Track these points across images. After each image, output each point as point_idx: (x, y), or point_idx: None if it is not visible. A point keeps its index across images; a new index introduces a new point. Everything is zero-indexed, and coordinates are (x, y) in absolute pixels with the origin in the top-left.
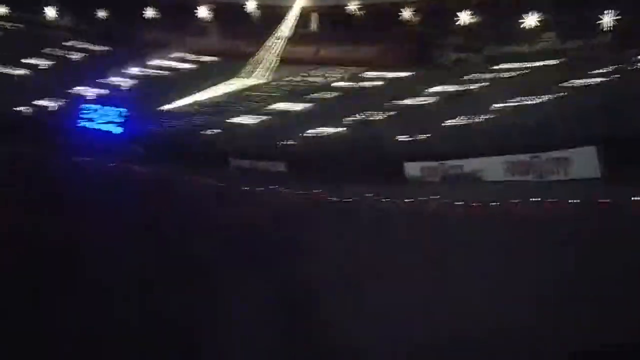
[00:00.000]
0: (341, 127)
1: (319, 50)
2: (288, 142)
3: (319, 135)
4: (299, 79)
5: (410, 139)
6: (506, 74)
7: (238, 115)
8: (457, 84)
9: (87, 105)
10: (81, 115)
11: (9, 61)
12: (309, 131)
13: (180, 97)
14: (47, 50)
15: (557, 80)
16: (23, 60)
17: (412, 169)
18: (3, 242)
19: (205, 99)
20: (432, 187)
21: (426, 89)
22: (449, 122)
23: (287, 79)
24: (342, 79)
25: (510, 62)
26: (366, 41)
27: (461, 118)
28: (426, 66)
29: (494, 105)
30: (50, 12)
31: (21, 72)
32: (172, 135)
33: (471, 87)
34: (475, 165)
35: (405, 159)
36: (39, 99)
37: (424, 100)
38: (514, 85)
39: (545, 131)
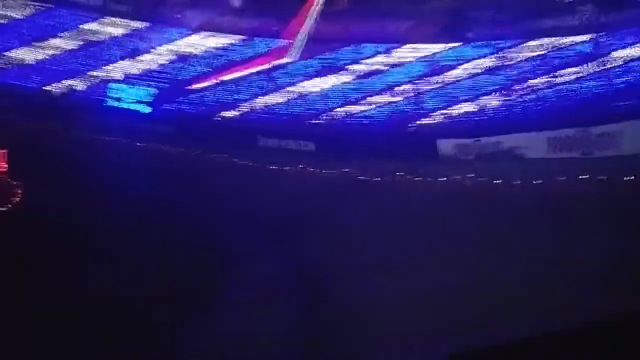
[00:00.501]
0: (371, 104)
1: (348, 26)
2: (317, 121)
3: (349, 113)
4: (327, 56)
5: (442, 114)
6: (542, 49)
7: (267, 94)
8: (492, 58)
9: (115, 85)
10: (109, 95)
11: (38, 40)
12: (339, 109)
13: (209, 76)
14: (75, 29)
15: (599, 53)
16: (52, 40)
17: (445, 146)
18: (33, 219)
19: (234, 78)
20: (467, 165)
21: (460, 64)
22: (484, 98)
23: (316, 57)
24: (371, 56)
25: (547, 36)
26: (396, 17)
27: (498, 94)
28: (459, 41)
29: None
30: None
31: (50, 51)
32: (200, 115)
33: (507, 62)
34: (515, 141)
35: (439, 136)
36: (67, 79)
37: (458, 76)
38: (551, 59)
39: (593, 105)
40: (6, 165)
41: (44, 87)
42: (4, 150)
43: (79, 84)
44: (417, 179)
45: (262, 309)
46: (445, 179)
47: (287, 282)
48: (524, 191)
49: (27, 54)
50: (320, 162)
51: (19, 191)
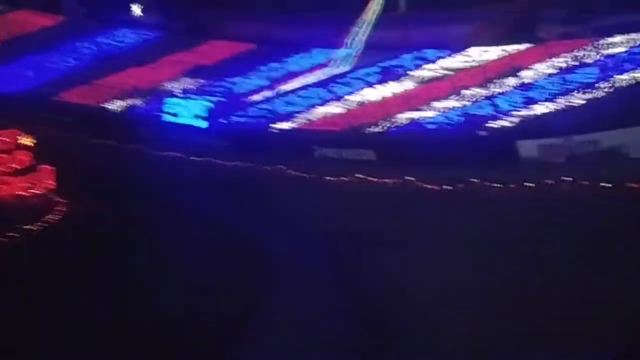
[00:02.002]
0: (437, 110)
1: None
2: (378, 129)
3: (413, 119)
4: (386, 64)
5: (520, 115)
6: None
7: (323, 104)
8: (566, 57)
9: (171, 99)
10: (166, 110)
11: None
12: (401, 116)
13: (264, 88)
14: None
15: None
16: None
17: (527, 148)
18: (89, 234)
19: (291, 88)
20: (556, 169)
21: (532, 64)
22: (568, 97)
23: (374, 65)
24: (433, 61)
25: (623, 32)
26: (459, 19)
27: (582, 91)
28: (528, 42)
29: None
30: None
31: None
32: (257, 127)
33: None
34: (616, 139)
35: (518, 137)
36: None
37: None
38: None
39: None
40: (54, 183)
41: (102, 104)
42: (53, 168)
43: (136, 101)
44: (495, 185)
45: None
46: (532, 185)
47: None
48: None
49: (90, 73)
50: (382, 171)
51: (63, 207)
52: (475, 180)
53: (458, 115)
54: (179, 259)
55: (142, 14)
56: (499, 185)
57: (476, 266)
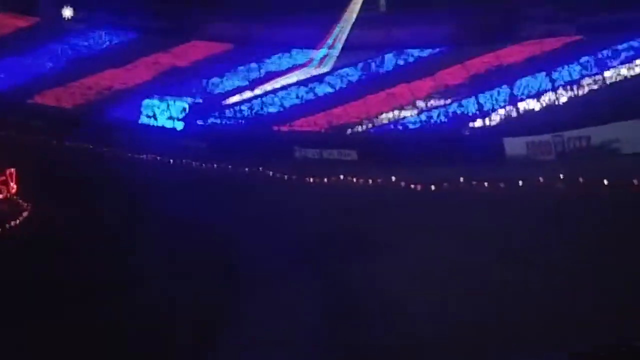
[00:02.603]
0: (419, 108)
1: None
2: (359, 129)
3: (394, 119)
4: (367, 63)
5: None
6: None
7: (303, 104)
8: (549, 55)
9: (148, 101)
10: (142, 112)
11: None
12: (382, 116)
13: (243, 89)
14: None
15: None
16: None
17: (514, 145)
18: (65, 234)
19: (270, 88)
20: (545, 166)
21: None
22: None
23: (353, 66)
24: (415, 61)
25: (607, 30)
26: (441, 19)
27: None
28: (510, 42)
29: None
30: None
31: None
32: (235, 129)
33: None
34: (609, 134)
35: (504, 134)
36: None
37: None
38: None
39: None
40: (15, 185)
41: (76, 106)
42: (13, 170)
43: (112, 101)
44: (484, 183)
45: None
46: (521, 182)
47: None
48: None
49: (61, 74)
50: (364, 171)
51: (28, 209)
52: (462, 179)
53: (441, 114)
54: (157, 263)
55: (118, 15)
56: (486, 183)
57: (465, 266)
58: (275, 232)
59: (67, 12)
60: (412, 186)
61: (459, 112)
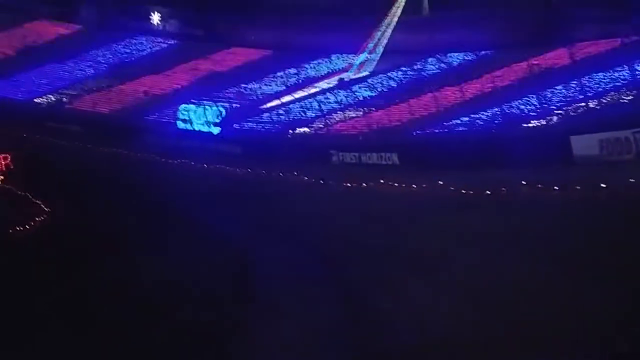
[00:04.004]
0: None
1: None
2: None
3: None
4: (408, 68)
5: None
6: None
7: (342, 109)
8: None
9: (185, 106)
10: (179, 116)
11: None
12: (423, 120)
13: (281, 94)
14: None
15: None
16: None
17: (584, 144)
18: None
19: (306, 95)
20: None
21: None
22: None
23: (395, 69)
24: (459, 64)
25: None
26: (485, 21)
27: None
28: (558, 44)
29: None
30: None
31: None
32: (269, 133)
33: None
34: None
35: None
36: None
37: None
38: None
39: None
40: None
41: (113, 112)
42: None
43: (149, 107)
44: (553, 188)
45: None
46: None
47: None
48: None
49: (101, 80)
50: (406, 176)
51: (42, 209)
52: (525, 183)
53: (490, 116)
54: (187, 269)
55: (159, 23)
56: (557, 187)
57: (528, 281)
58: (310, 240)
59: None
60: (464, 191)
61: (512, 112)
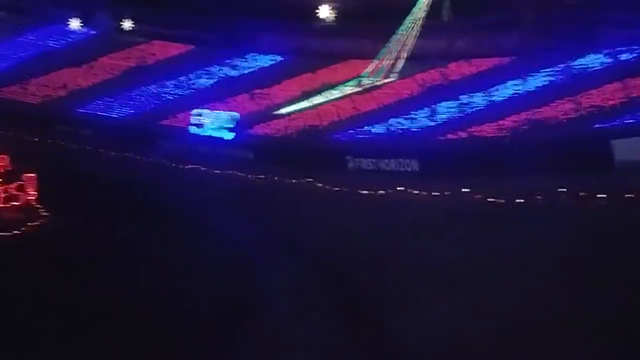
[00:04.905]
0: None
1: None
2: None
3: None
4: (430, 72)
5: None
6: None
7: (358, 115)
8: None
9: (199, 111)
10: (191, 121)
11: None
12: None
13: (296, 100)
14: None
15: None
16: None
17: (628, 148)
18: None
19: (324, 101)
20: None
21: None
22: None
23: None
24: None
25: None
26: (508, 27)
27: None
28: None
29: None
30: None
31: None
32: (282, 139)
33: None
34: None
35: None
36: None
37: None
38: None
39: None
40: (35, 192)
41: (126, 118)
42: (33, 175)
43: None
44: (595, 195)
45: None
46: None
47: None
48: None
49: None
50: (427, 183)
51: (44, 215)
52: (564, 190)
53: (520, 120)
54: (201, 275)
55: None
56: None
57: (564, 296)
58: (324, 249)
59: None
60: (491, 199)
61: (544, 116)
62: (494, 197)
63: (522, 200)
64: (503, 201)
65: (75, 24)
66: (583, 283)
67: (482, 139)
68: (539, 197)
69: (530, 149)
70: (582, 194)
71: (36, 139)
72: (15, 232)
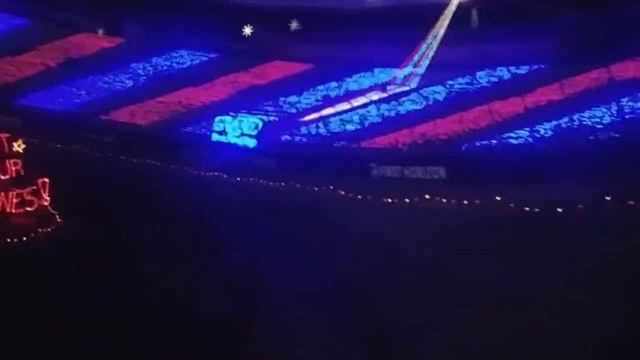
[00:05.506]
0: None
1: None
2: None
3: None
4: (456, 81)
5: None
6: None
7: (382, 123)
8: None
9: (222, 118)
10: (214, 129)
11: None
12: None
13: (321, 107)
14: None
15: None
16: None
17: None
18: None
19: (348, 107)
20: None
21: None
22: None
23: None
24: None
25: None
26: (537, 36)
27: None
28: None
29: None
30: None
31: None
32: (305, 146)
33: None
34: None
35: None
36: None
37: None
38: None
39: None
40: (48, 197)
41: (149, 124)
42: (47, 180)
43: (186, 119)
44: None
45: None
46: None
47: None
48: None
49: (139, 92)
50: (455, 191)
51: (57, 220)
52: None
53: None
54: (222, 282)
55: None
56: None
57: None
58: (345, 259)
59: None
60: (527, 208)
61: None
62: (528, 206)
63: (560, 210)
64: (538, 210)
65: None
66: (636, 302)
67: (514, 145)
68: (581, 206)
69: (569, 154)
70: (631, 202)
71: (59, 145)
72: (27, 237)
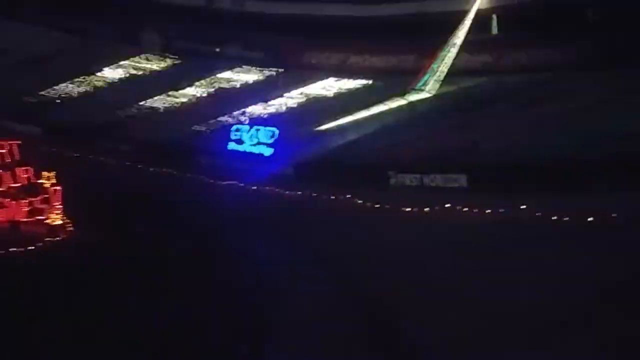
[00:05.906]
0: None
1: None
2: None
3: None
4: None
5: None
6: None
7: (401, 132)
8: None
9: (238, 127)
10: (232, 137)
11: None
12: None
13: (340, 117)
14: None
15: None
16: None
17: None
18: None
19: (365, 117)
20: None
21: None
22: None
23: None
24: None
25: None
26: (552, 43)
27: None
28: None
29: None
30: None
31: (183, 99)
32: (326, 156)
33: None
34: None
35: None
36: (196, 124)
37: None
38: None
39: None
40: (61, 206)
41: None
42: (60, 188)
43: (202, 128)
44: None
45: None
46: None
47: None
48: None
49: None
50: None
51: (68, 228)
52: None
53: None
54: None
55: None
56: None
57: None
58: (363, 271)
59: None
60: (555, 218)
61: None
62: (557, 216)
63: (591, 219)
64: (567, 219)
65: None
66: None
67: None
68: (614, 215)
69: (599, 162)
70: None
71: (76, 155)
72: (38, 245)
